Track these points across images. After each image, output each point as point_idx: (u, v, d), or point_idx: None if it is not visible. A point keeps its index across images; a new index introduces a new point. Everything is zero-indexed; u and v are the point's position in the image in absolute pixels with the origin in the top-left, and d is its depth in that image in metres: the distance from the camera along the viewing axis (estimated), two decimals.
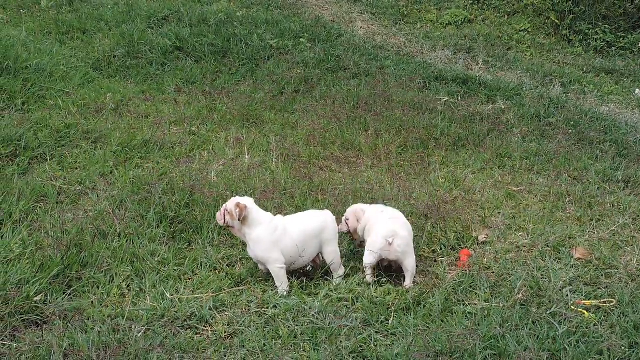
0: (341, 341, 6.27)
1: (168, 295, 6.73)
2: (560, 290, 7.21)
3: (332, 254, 7.27)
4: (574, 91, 14.02)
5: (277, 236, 7.04)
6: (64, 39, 14.22)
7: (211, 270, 7.31)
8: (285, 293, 6.96)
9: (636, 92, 14.58)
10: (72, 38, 14.39)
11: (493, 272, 7.54)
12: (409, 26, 16.97)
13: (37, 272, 6.67)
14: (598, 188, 9.77)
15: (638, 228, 8.77)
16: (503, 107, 12.41)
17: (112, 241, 7.41)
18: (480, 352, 6.10)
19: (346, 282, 7.21)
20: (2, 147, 9.12)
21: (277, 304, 6.73)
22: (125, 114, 10.95)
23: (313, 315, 6.55)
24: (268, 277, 7.20)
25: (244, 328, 6.40)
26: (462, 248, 8.06)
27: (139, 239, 7.56)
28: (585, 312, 6.78)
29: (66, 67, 12.30)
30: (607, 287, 7.41)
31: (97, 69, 12.88)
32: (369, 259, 7.20)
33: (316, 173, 9.49)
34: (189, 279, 7.15)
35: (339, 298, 6.90)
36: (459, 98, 12.75)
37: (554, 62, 15.63)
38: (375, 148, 10.49)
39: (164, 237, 7.73)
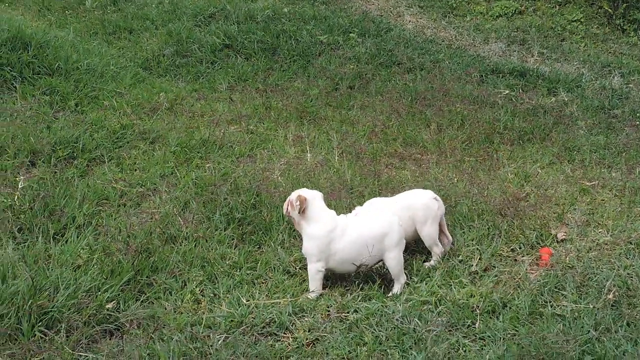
0: (428, 347, 5.90)
1: (244, 301, 6.45)
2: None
3: (394, 260, 6.87)
4: (634, 82, 13.57)
5: (333, 236, 6.71)
6: (110, 39, 14.07)
7: (284, 274, 7.00)
8: (313, 296, 6.67)
9: None
10: (119, 38, 14.24)
11: (577, 272, 7.13)
12: (458, 19, 16.59)
13: (107, 279, 6.39)
14: None
15: None
16: (566, 99, 12.01)
17: (180, 245, 7.10)
18: (579, 357, 5.71)
19: (426, 284, 6.84)
20: (60, 149, 8.89)
21: (358, 308, 6.42)
22: (180, 113, 10.71)
23: (397, 319, 6.20)
24: (344, 278, 6.88)
25: (326, 334, 6.08)
26: (542, 246, 7.66)
27: (207, 241, 7.26)
28: None
29: (116, 67, 12.10)
30: None
31: (147, 69, 12.67)
32: None
33: (382, 170, 9.17)
34: (263, 283, 6.86)
35: (421, 301, 6.54)
36: (520, 91, 12.35)
37: (610, 53, 15.17)
38: (439, 143, 10.17)
39: (233, 239, 7.45)
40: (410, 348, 5.92)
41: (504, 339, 6.07)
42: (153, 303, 6.39)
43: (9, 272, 6.18)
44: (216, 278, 6.82)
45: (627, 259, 7.40)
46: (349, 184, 8.56)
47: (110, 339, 5.89)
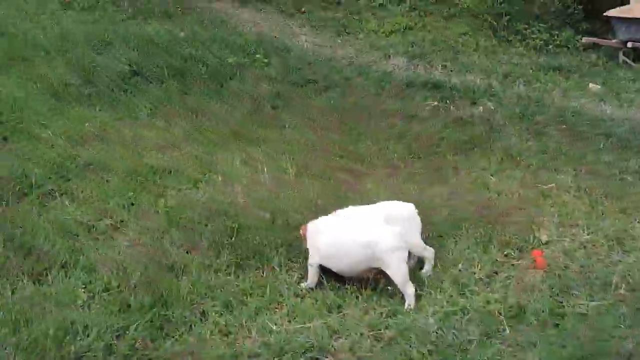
0: (475, 358, 5.76)
1: (274, 327, 6.07)
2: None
3: (392, 269, 6.71)
4: (537, 89, 13.95)
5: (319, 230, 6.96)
6: (4, 69, 13.06)
7: (296, 297, 6.67)
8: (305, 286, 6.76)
9: (590, 86, 14.69)
10: (13, 67, 13.22)
11: (575, 271, 7.19)
12: (351, 37, 16.59)
13: (123, 317, 5.88)
14: (620, 180, 9.62)
15: None
16: (492, 108, 12.18)
17: (182, 275, 6.65)
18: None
19: (441, 293, 6.70)
20: (9, 185, 8.17)
21: (389, 324, 6.19)
22: (112, 142, 10.12)
23: (433, 332, 6.02)
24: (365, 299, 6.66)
25: (368, 354, 5.80)
26: (532, 250, 7.67)
27: (207, 271, 6.83)
28: None
29: (26, 97, 11.27)
30: None
31: (58, 99, 11.86)
32: None
33: (340, 187, 8.95)
34: (278, 309, 6.51)
35: (447, 312, 6.38)
36: (447, 102, 12.44)
37: (503, 63, 15.52)
38: (385, 158, 10.07)
39: (229, 267, 7.01)
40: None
41: (544, 342, 5.98)
42: (176, 338, 5.91)
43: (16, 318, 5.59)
44: (232, 307, 6.40)
45: (615, 255, 7.52)
46: (315, 202, 8.29)
47: None
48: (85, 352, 5.41)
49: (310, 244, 6.93)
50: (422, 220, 7.33)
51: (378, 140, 10.62)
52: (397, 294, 6.70)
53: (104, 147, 9.79)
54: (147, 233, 7.55)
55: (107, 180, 8.72)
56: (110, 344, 5.51)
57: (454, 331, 6.07)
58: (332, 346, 5.92)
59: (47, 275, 6.68)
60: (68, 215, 7.85)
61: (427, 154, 10.27)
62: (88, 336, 5.56)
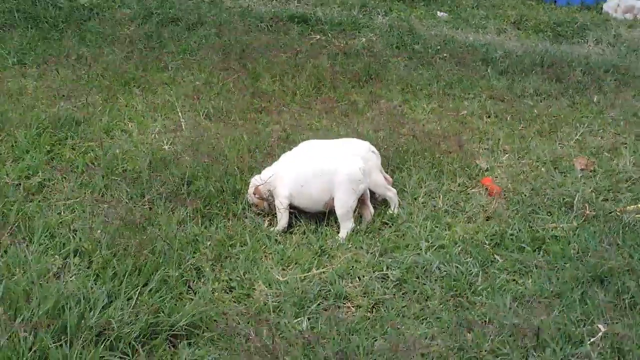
0: (486, 287, 5.68)
1: (280, 278, 5.70)
2: (600, 201, 7.22)
3: (339, 201, 6.51)
4: (398, 19, 13.98)
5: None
6: None
7: (277, 244, 6.29)
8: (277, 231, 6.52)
9: (439, 14, 14.97)
10: None
11: (528, 196, 7.26)
12: None
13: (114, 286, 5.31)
14: (523, 103, 9.86)
15: (593, 134, 8.97)
16: (374, 39, 12.07)
17: (158, 231, 6.08)
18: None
19: (420, 228, 6.55)
20: None
21: (389, 264, 5.97)
22: None
23: (437, 268, 5.89)
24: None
25: (385, 296, 5.57)
26: (480, 178, 7.68)
27: (174, 225, 6.30)
28: None
29: None
30: (630, 190, 7.43)
31: None
32: None
33: (260, 127, 8.58)
34: (267, 258, 6.10)
35: (438, 246, 6.25)
36: (325, 35, 12.18)
37: None
38: (291, 93, 9.73)
39: (193, 218, 6.51)
40: (472, 292, 5.64)
41: (533, 267, 5.98)
42: (181, 299, 5.41)
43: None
44: (221, 260, 5.96)
45: (557, 177, 7.67)
46: (247, 145, 7.88)
47: (176, 349, 4.92)
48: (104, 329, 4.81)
49: (277, 189, 6.58)
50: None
51: (275, 76, 10.18)
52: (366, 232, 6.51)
53: None
54: (87, 189, 6.84)
55: (13, 137, 7.82)
56: (129, 314, 4.91)
57: (455, 265, 5.91)
58: (346, 292, 5.60)
59: None
60: None
61: (329, 88, 9.97)
62: (91, 310, 4.92)
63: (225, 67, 10.50)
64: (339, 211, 6.48)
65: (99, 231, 5.92)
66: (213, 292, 5.50)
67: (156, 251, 5.72)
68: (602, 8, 16.13)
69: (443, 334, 5.11)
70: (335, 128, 8.51)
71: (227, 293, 5.58)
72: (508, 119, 9.28)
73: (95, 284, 5.27)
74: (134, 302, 5.10)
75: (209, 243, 6.14)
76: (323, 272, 5.83)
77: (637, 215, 6.77)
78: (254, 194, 6.71)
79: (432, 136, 8.42)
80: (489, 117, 9.39)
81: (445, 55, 11.75)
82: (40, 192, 6.85)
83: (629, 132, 8.99)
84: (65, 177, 7.09)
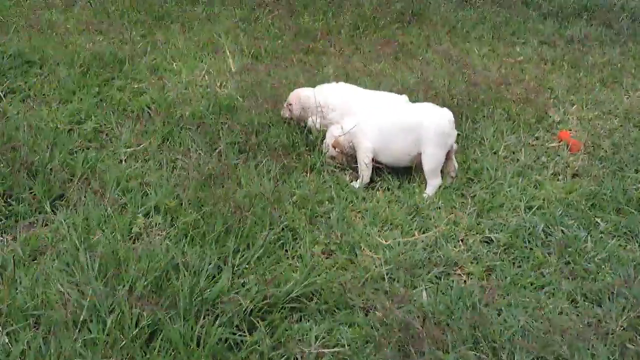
0: (592, 254, 5.28)
1: (383, 241, 5.26)
2: None
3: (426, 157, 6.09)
4: None
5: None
6: None
7: (364, 201, 5.85)
8: (359, 186, 6.06)
9: None
10: None
11: (610, 152, 6.87)
12: None
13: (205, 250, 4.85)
14: (575, 50, 9.46)
15: None
16: None
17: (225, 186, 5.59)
18: None
19: (516, 189, 6.11)
20: None
21: (491, 227, 5.55)
22: (24, 28, 8.52)
23: (542, 231, 5.48)
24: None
25: (495, 262, 5.15)
26: (557, 132, 7.27)
27: (256, 179, 5.81)
28: None
29: None
30: None
31: None
32: None
33: (312, 69, 8.09)
34: (357, 217, 5.65)
35: (537, 207, 5.84)
36: None
37: None
38: (334, 33, 9.21)
39: (269, 172, 6.02)
40: (585, 260, 5.23)
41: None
42: (280, 265, 4.96)
43: None
44: (314, 221, 5.50)
45: (633, 131, 7.31)
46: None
47: (291, 322, 4.49)
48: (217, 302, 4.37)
49: (360, 142, 6.10)
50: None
51: (315, 14, 9.62)
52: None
53: (21, 36, 8.19)
54: (148, 137, 6.34)
55: (56, 75, 7.25)
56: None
57: (561, 228, 5.51)
58: (455, 258, 5.17)
59: (61, 198, 5.39)
60: (41, 120, 6.43)
61: (374, 29, 9.44)
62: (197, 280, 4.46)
63: (260, 3, 9.87)
64: (426, 167, 6.03)
65: (176, 186, 5.37)
66: (312, 257, 5.00)
67: (243, 210, 5.18)
68: None
69: (572, 309, 4.70)
70: (392, 72, 8.00)
71: (328, 257, 5.10)
72: (565, 67, 8.82)
73: (188, 248, 4.75)
74: (240, 270, 4.61)
75: (294, 199, 5.61)
76: (426, 236, 5.35)
77: None
78: (333, 146, 6.21)
79: (495, 84, 7.93)
80: (545, 64, 8.91)
81: None
82: (96, 139, 6.29)
83: None
84: (120, 122, 6.52)
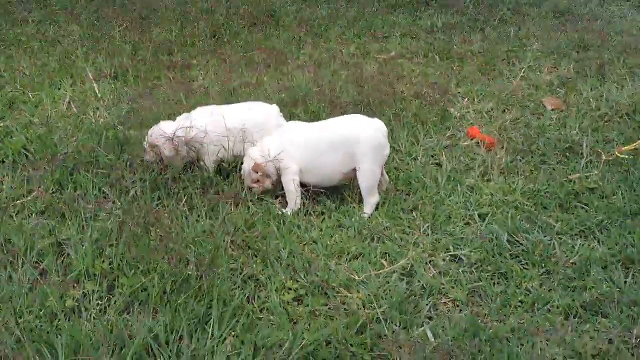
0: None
1: (356, 278, 4.66)
2: (584, 146, 6.52)
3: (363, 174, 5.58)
4: None
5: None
6: None
7: (306, 231, 5.23)
8: (291, 212, 5.44)
9: None
10: None
11: (523, 144, 6.62)
12: None
13: None
14: (437, 39, 9.29)
15: (532, 69, 8.54)
16: None
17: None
18: None
19: (452, 196, 5.72)
20: None
21: (454, 244, 5.10)
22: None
23: (508, 241, 5.10)
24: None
25: (473, 285, 4.69)
26: (466, 129, 6.95)
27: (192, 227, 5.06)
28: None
29: None
30: (614, 129, 6.98)
31: None
32: None
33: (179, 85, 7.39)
34: (306, 250, 5.02)
35: (486, 213, 5.46)
36: None
37: None
38: (189, 44, 8.56)
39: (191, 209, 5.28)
40: (564, 266, 4.88)
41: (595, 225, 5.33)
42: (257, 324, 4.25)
43: None
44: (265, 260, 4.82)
45: (529, 118, 7.15)
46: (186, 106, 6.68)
47: None
48: None
49: (284, 164, 5.50)
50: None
51: (166, 25, 8.93)
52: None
53: None
54: (37, 184, 5.43)
55: None
56: None
57: (524, 235, 5.14)
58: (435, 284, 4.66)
59: None
60: None
61: (230, 35, 8.86)
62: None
63: (99, 17, 8.97)
64: (364, 184, 5.47)
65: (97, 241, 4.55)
66: (285, 307, 4.33)
67: (190, 261, 4.45)
68: None
69: (582, 326, 4.29)
70: (268, 81, 7.43)
71: (299, 304, 4.44)
72: (437, 58, 8.55)
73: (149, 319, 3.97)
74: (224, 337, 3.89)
75: (232, 238, 4.91)
76: (400, 265, 4.79)
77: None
78: (255, 170, 5.53)
79: (380, 83, 7.51)
80: (417, 57, 8.62)
81: None
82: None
83: (565, 65, 8.53)
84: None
